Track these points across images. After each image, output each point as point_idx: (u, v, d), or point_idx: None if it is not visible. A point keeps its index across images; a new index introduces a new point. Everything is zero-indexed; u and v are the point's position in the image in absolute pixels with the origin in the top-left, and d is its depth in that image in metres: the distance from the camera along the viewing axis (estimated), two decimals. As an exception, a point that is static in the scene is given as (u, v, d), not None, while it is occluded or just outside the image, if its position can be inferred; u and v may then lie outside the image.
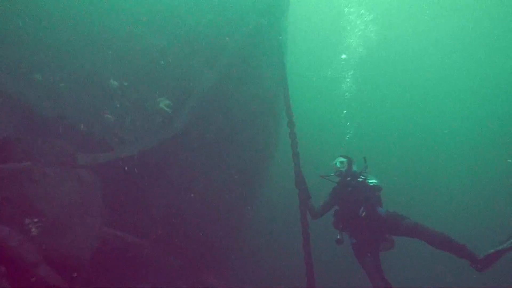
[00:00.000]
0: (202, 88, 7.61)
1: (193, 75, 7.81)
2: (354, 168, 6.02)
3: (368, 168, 6.02)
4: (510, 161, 16.59)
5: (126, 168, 6.29)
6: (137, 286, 6.31)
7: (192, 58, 7.80)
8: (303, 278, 5.47)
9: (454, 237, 4.92)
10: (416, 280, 10.72)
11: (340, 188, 5.92)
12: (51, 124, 6.12)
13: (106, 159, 6.20)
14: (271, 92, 8.95)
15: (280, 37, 8.74)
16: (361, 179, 5.75)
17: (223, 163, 8.01)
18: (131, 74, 7.26)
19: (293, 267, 7.60)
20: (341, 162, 6.00)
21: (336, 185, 6.09)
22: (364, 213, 5.41)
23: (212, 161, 7.80)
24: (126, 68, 7.27)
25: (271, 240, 10.22)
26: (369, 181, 5.65)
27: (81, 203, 4.75)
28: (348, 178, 5.85)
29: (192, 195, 7.32)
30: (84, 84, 6.87)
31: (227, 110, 8.08)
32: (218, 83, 7.93)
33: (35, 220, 4.12)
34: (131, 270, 6.22)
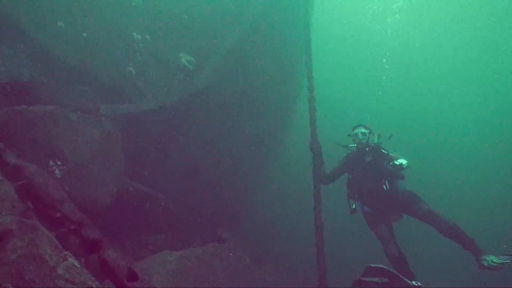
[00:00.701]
0: (224, 46, 7.50)
1: (216, 32, 7.68)
2: (374, 139, 5.88)
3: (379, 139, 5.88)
4: None
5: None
6: (151, 236, 6.49)
7: (215, 15, 7.64)
8: (312, 242, 5.52)
9: (465, 230, 4.90)
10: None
11: (357, 157, 5.82)
12: (73, 73, 6.14)
13: (126, 111, 6.24)
14: (293, 55, 8.78)
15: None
16: (384, 151, 5.61)
17: (242, 125, 8.00)
18: (154, 27, 7.18)
19: (304, 230, 7.66)
20: (363, 134, 5.77)
21: (350, 152, 5.99)
22: (385, 187, 5.36)
23: (231, 121, 7.78)
24: (149, 21, 7.17)
25: (283, 203, 10.33)
26: (401, 161, 5.46)
27: (102, 151, 4.83)
28: (367, 149, 5.71)
29: (210, 153, 7.36)
30: (107, 35, 6.82)
31: (248, 70, 7.97)
32: (240, 42, 7.79)
33: (59, 163, 4.21)
34: (147, 221, 6.39)
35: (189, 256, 4.78)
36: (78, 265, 2.74)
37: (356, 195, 5.65)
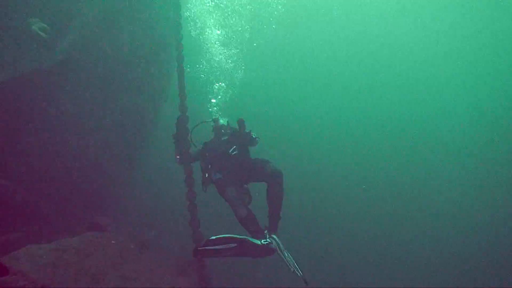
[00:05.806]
0: (87, 11, 6.61)
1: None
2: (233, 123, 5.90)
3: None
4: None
5: None
6: (6, 235, 5.44)
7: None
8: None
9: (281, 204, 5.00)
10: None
11: (213, 140, 5.86)
12: None
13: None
14: (163, 30, 8.29)
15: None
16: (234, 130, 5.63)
17: (115, 99, 7.23)
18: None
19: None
20: (223, 124, 5.94)
21: (210, 140, 5.94)
22: (235, 152, 5.40)
23: (101, 96, 6.97)
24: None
25: (164, 184, 9.85)
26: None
27: None
28: (223, 130, 5.85)
29: (78, 133, 6.46)
30: None
31: (117, 39, 7.21)
32: (107, 7, 6.98)
33: None
34: (2, 217, 5.32)
35: (64, 248, 4.07)
36: None
37: (210, 166, 5.53)
